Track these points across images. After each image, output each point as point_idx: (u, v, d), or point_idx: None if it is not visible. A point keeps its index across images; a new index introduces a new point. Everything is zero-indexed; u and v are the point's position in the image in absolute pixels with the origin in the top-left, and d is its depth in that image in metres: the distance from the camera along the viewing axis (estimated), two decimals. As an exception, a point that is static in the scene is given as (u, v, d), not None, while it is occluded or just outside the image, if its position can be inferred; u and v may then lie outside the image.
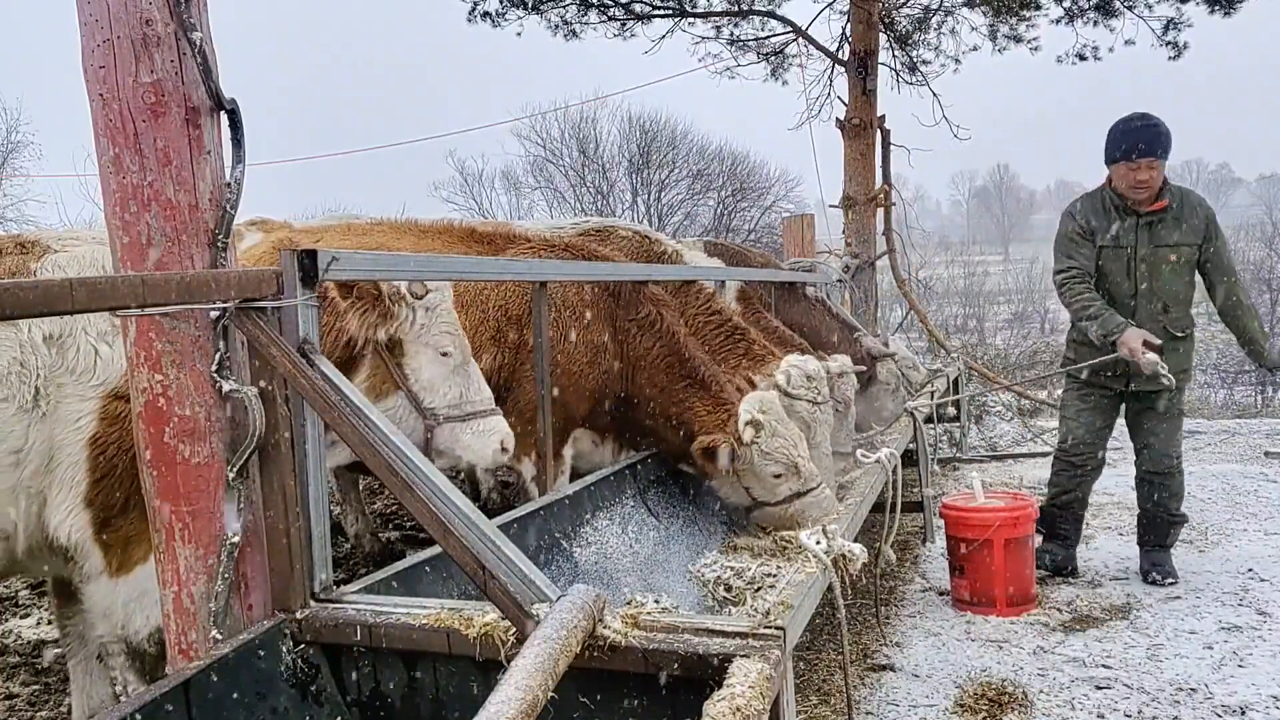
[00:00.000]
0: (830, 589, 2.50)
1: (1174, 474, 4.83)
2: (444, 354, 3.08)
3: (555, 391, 4.00)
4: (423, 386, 3.04)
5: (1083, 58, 11.21)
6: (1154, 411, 4.75)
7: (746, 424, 3.97)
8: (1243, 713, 3.39)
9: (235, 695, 2.06)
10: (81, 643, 3.07)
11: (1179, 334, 4.67)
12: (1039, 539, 4.86)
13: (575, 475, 4.30)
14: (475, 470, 6.20)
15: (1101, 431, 4.92)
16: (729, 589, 3.34)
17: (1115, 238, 4.65)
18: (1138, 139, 4.52)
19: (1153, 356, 4.40)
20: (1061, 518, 5.00)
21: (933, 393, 6.33)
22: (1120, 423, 4.96)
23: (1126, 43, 10.77)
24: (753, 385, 4.43)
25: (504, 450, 3.19)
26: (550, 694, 1.55)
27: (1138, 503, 4.93)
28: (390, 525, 6.27)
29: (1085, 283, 4.69)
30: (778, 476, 4.03)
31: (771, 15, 11.56)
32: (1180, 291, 4.64)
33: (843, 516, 3.46)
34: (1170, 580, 4.73)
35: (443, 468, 3.13)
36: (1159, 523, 4.84)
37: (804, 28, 11.27)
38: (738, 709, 1.63)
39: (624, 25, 11.67)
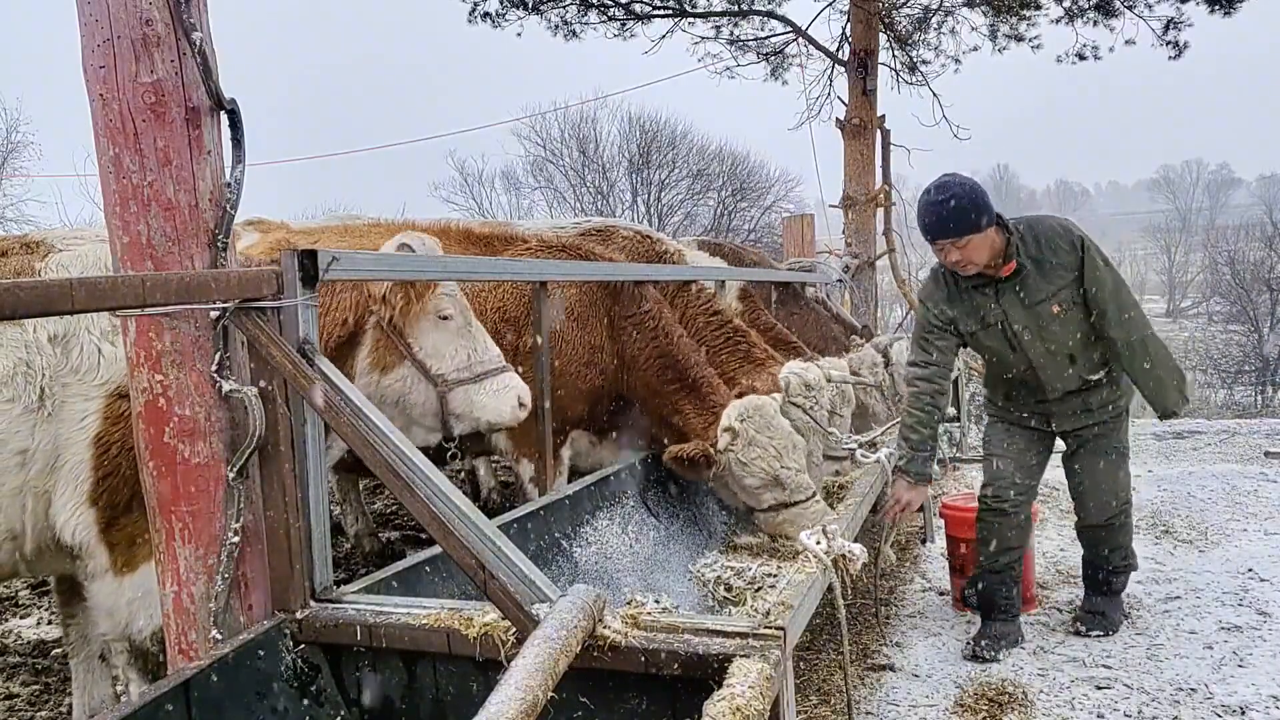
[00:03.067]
0: (830, 589, 2.50)
1: (1115, 526, 4.08)
2: (444, 317, 3.05)
3: (553, 393, 4.00)
4: (428, 354, 3.00)
5: (1083, 57, 11.21)
6: (1087, 450, 4.02)
7: (723, 430, 3.91)
8: (1243, 713, 3.39)
9: (235, 695, 2.06)
10: (84, 642, 3.07)
11: (1095, 377, 3.93)
12: (974, 614, 4.17)
13: (574, 475, 4.30)
14: (480, 469, 6.25)
15: (1033, 470, 4.12)
16: (729, 589, 3.34)
17: (981, 319, 3.90)
18: (926, 220, 3.75)
19: (909, 505, 4.03)
20: (1000, 584, 4.05)
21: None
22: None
23: (1127, 42, 10.77)
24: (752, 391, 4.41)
25: (521, 406, 3.14)
26: (550, 694, 1.55)
27: (1083, 548, 4.25)
28: (390, 525, 6.27)
29: (934, 384, 3.97)
30: (758, 488, 3.96)
31: (771, 15, 11.56)
32: (1080, 337, 3.86)
33: (843, 516, 3.45)
34: (1105, 633, 4.04)
35: (464, 432, 3.12)
36: (1103, 572, 4.16)
37: (804, 28, 11.27)
38: (738, 709, 1.63)
39: (624, 25, 11.67)
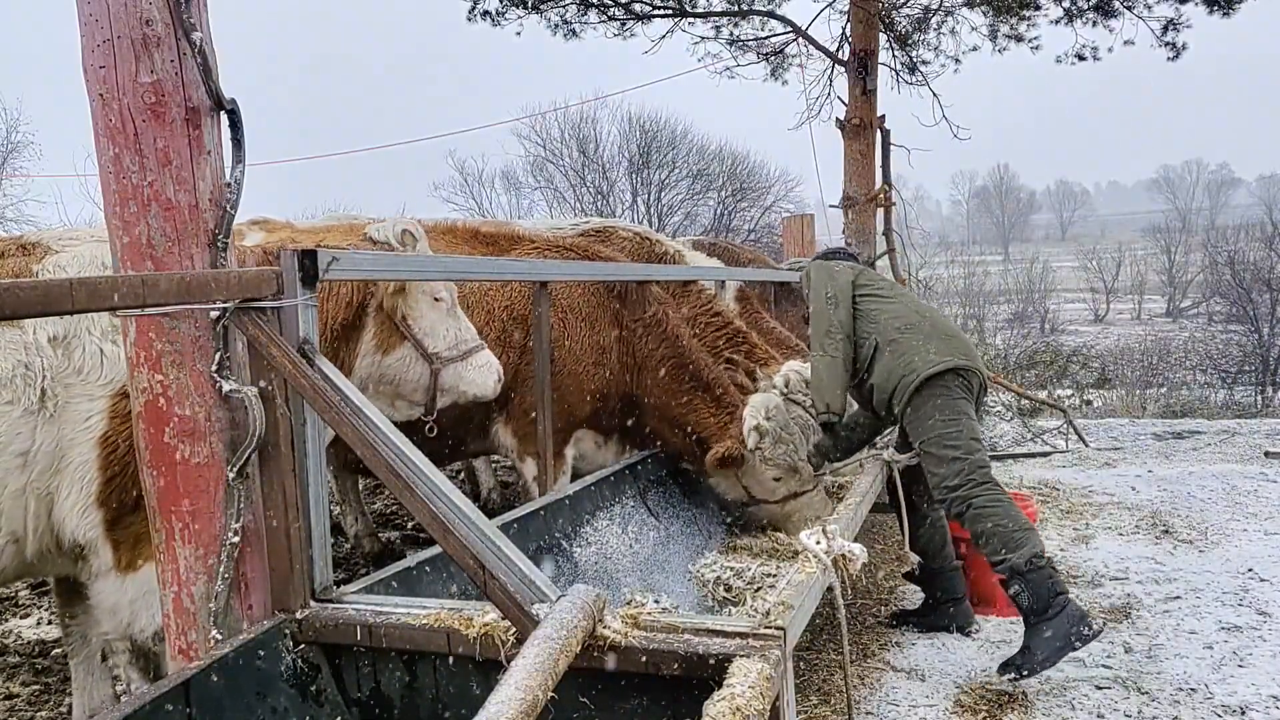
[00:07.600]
0: (830, 589, 2.50)
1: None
2: (437, 299, 3.25)
3: (559, 392, 4.02)
4: (425, 333, 3.21)
5: (1082, 58, 11.20)
6: None
7: (751, 429, 4.04)
8: (1243, 713, 3.39)
9: (235, 695, 2.06)
10: (84, 642, 3.07)
11: None
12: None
13: (578, 475, 4.30)
14: (480, 469, 6.25)
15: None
16: (729, 589, 3.35)
17: None
18: None
19: None
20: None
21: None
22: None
23: (1126, 43, 10.75)
24: (753, 378, 4.48)
25: (499, 380, 3.41)
26: (550, 694, 1.55)
27: None
28: (390, 525, 6.27)
29: None
30: (777, 480, 4.12)
31: (771, 15, 11.55)
32: None
33: (842, 516, 3.45)
34: (1015, 676, 3.44)
35: (445, 405, 3.33)
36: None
37: (804, 28, 11.26)
38: (738, 709, 1.63)
39: (624, 25, 11.65)
